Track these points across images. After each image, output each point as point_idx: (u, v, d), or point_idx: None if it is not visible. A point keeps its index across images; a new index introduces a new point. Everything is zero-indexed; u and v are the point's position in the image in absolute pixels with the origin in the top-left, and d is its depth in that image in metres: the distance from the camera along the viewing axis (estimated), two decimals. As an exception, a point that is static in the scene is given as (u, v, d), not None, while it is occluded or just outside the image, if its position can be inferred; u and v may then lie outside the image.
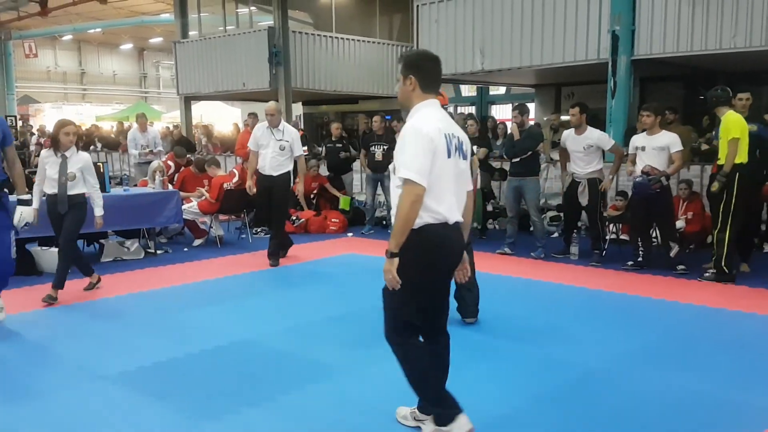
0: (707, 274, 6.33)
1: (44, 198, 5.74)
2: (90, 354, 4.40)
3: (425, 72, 2.96)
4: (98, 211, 5.89)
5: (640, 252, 6.87)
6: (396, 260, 2.80)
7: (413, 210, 2.76)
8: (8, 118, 22.29)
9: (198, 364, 4.20)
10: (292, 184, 7.39)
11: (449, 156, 2.86)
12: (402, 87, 2.98)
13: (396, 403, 3.42)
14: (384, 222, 9.90)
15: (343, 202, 10.10)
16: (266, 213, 7.51)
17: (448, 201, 2.89)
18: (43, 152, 5.81)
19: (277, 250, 7.34)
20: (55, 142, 5.69)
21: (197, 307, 5.50)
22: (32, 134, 21.16)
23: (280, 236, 7.44)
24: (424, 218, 2.82)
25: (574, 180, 7.25)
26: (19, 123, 24.04)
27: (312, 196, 10.20)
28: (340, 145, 10.19)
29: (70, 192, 5.68)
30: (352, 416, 3.42)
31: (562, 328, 4.93)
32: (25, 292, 6.08)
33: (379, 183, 9.23)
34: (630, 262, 6.90)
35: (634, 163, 6.79)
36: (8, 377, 4.00)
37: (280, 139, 7.12)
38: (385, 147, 9.19)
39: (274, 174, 7.11)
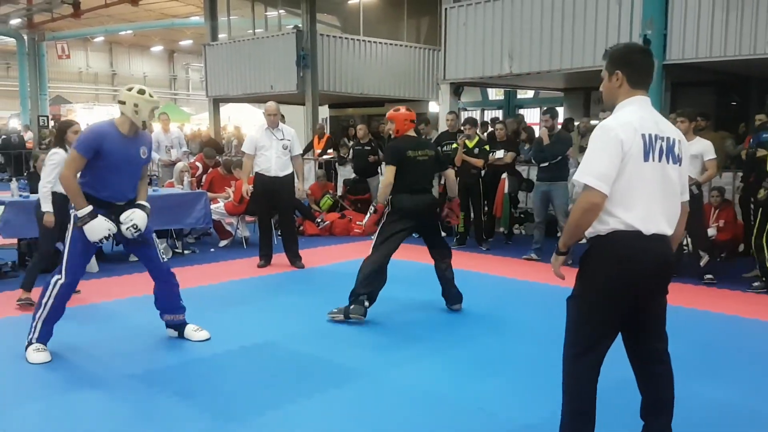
0: (756, 284, 6.18)
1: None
2: (117, 352, 4.44)
3: (634, 66, 2.69)
4: None
5: None
6: (561, 258, 2.73)
7: (585, 218, 2.54)
8: (40, 118, 22.77)
9: (223, 364, 4.22)
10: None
11: (647, 159, 2.54)
12: (607, 84, 2.73)
13: (419, 409, 3.40)
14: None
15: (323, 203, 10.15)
16: (267, 215, 7.50)
17: (644, 209, 2.55)
18: (61, 152, 5.43)
19: (297, 249, 7.37)
20: (61, 141, 5.50)
21: (222, 308, 5.53)
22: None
23: (295, 236, 7.49)
24: (611, 224, 2.56)
25: None
26: (51, 123, 24.47)
27: (335, 200, 10.22)
28: (368, 148, 10.18)
29: None
30: (375, 421, 3.40)
31: (590, 336, 4.85)
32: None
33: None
34: None
35: None
36: (38, 374, 4.05)
37: (282, 139, 7.11)
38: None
39: (281, 174, 7.08)
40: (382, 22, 16.97)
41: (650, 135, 2.57)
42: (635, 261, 2.57)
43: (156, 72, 41.45)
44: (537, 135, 8.53)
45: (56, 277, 4.18)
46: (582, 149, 9.21)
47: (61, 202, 5.22)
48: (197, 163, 9.66)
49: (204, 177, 9.24)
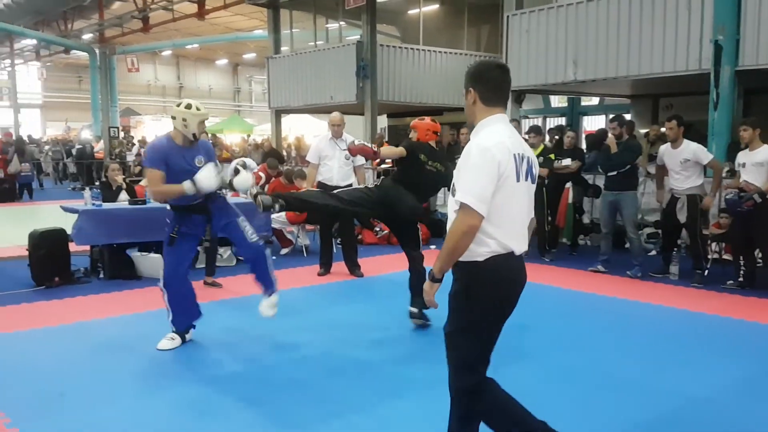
0: None
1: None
2: (187, 358, 4.52)
3: (488, 83, 2.65)
4: None
5: (741, 272, 6.49)
6: (437, 285, 2.61)
7: (464, 241, 2.47)
8: (111, 129, 23.69)
9: (286, 371, 4.24)
10: None
11: (518, 180, 2.53)
12: (466, 101, 2.72)
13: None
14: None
15: None
16: (329, 224, 7.57)
17: (516, 230, 2.58)
18: None
19: (356, 258, 7.41)
20: None
21: (284, 316, 5.56)
22: (133, 144, 22.35)
23: (355, 245, 7.55)
24: (491, 247, 2.52)
25: (673, 196, 6.91)
26: (121, 134, 25.41)
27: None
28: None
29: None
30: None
31: (660, 354, 4.66)
32: (125, 296, 6.35)
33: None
34: (730, 282, 6.58)
35: (739, 179, 6.41)
36: (110, 377, 4.15)
37: (345, 149, 7.14)
38: (472, 159, 9.09)
39: (342, 184, 7.07)
40: (442, 31, 16.94)
41: (519, 155, 2.55)
42: (516, 282, 2.60)
43: (220, 84, 42.61)
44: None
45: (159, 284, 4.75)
46: (651, 157, 8.93)
47: None
48: (260, 173, 9.82)
49: (266, 186, 9.38)
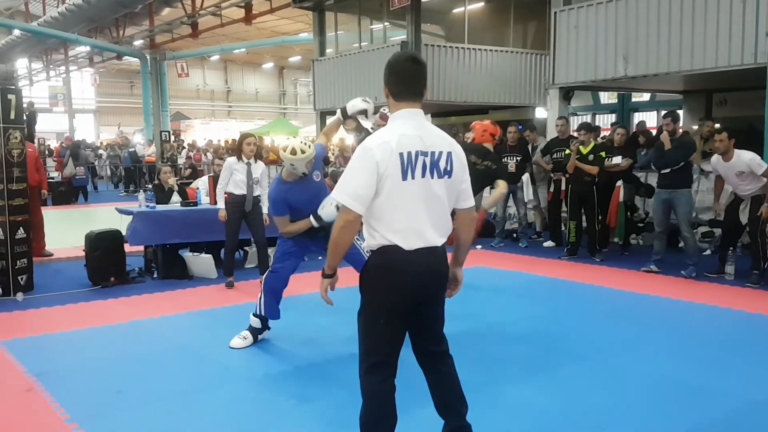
0: None
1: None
2: (238, 355, 4.59)
3: (397, 77, 2.68)
4: (265, 210, 6.62)
5: None
6: (327, 281, 2.75)
7: (342, 236, 2.58)
8: (162, 133, 24.27)
9: (334, 369, 4.26)
10: None
11: (405, 178, 2.53)
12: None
13: (526, 427, 3.26)
14: (515, 234, 9.66)
15: None
16: None
17: (405, 226, 2.58)
18: (230, 159, 6.71)
19: None
20: (239, 151, 6.62)
21: (331, 314, 5.58)
22: (183, 148, 22.83)
23: None
24: (377, 240, 2.62)
25: (737, 196, 6.72)
26: (172, 138, 26.01)
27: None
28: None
29: (255, 194, 6.62)
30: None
31: (717, 356, 4.52)
32: (178, 295, 6.49)
33: (511, 195, 9.01)
34: None
35: None
36: (165, 375, 4.25)
37: None
38: (518, 158, 8.99)
39: None
40: (487, 29, 16.80)
41: (409, 153, 2.54)
42: (401, 272, 2.60)
43: (267, 87, 43.24)
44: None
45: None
46: (705, 154, 8.68)
47: (236, 202, 6.54)
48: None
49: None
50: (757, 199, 6.52)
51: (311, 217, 4.60)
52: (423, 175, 2.57)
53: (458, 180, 2.68)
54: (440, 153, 2.61)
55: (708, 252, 8.11)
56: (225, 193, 6.60)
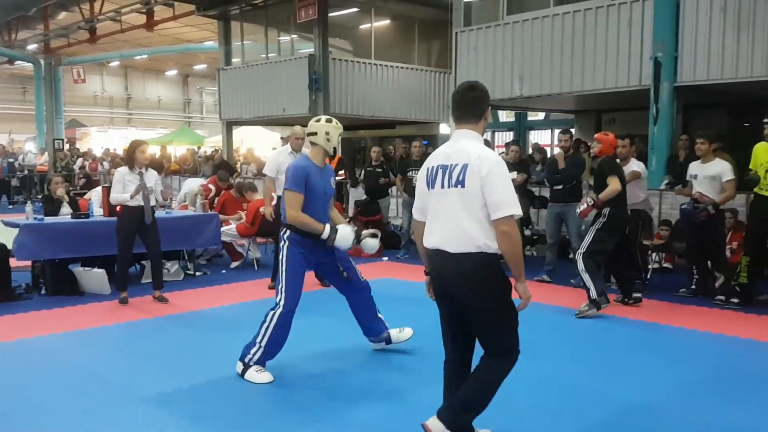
0: None
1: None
2: (130, 375, 4.43)
3: (453, 104, 3.12)
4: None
5: (694, 279, 6.82)
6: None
7: (416, 237, 3.27)
8: (56, 141, 23.07)
9: (235, 387, 4.19)
10: None
11: (429, 187, 3.06)
12: None
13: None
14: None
15: None
16: None
17: (427, 228, 3.09)
18: (122, 169, 6.41)
19: None
20: (131, 160, 6.34)
21: (234, 330, 5.51)
22: (78, 157, 21.77)
23: None
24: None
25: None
26: (66, 146, 24.75)
27: (348, 220, 10.23)
28: (380, 170, 10.19)
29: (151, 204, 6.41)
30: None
31: (602, 361, 4.81)
32: (68, 312, 6.19)
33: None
34: (683, 289, 6.92)
35: (692, 190, 6.62)
36: (53, 396, 4.05)
37: None
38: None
39: None
40: (393, 45, 17.12)
41: (433, 167, 3.06)
42: (433, 269, 3.12)
43: (170, 95, 41.93)
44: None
45: (274, 310, 4.29)
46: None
47: (132, 213, 6.24)
48: (210, 186, 9.73)
49: (216, 199, 9.29)
50: (635, 213, 6.88)
51: (326, 231, 4.34)
52: (442, 186, 2.99)
53: (473, 191, 2.90)
54: (455, 165, 2.96)
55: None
56: (119, 206, 6.39)
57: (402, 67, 16.14)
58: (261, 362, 4.31)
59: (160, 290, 6.62)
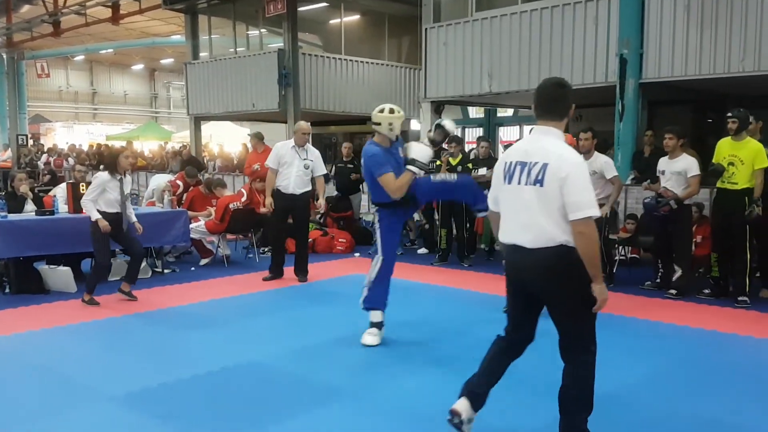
0: (741, 299, 6.31)
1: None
2: (97, 374, 4.37)
3: (536, 100, 3.10)
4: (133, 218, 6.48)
5: (659, 273, 6.92)
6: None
7: (492, 226, 3.37)
8: (19, 137, 22.55)
9: (204, 385, 4.17)
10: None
11: (505, 182, 3.09)
12: None
13: (404, 428, 3.37)
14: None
15: None
16: (281, 232, 7.57)
17: (503, 222, 3.14)
18: (102, 175, 6.21)
19: (306, 265, 7.49)
20: (113, 165, 6.21)
21: (204, 328, 5.48)
22: (42, 153, 21.35)
23: (306, 252, 7.63)
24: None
25: None
26: (30, 142, 24.23)
27: (319, 216, 10.21)
28: (351, 166, 10.19)
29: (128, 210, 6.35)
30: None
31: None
32: (33, 310, 6.08)
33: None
34: (648, 282, 7.02)
35: (660, 185, 6.72)
36: (16, 397, 3.97)
37: (305, 158, 7.25)
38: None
39: (298, 192, 7.24)
40: (363, 41, 17.09)
41: (511, 162, 3.07)
42: (508, 262, 3.19)
43: (137, 90, 41.28)
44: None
45: (376, 260, 4.98)
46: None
47: (109, 219, 6.09)
48: (178, 182, 9.61)
49: (185, 195, 9.18)
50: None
51: (411, 167, 4.72)
52: (519, 182, 3.00)
53: (552, 191, 2.90)
54: (535, 163, 2.96)
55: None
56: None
57: (372, 63, 16.13)
58: (367, 305, 4.98)
59: (133, 284, 6.49)
